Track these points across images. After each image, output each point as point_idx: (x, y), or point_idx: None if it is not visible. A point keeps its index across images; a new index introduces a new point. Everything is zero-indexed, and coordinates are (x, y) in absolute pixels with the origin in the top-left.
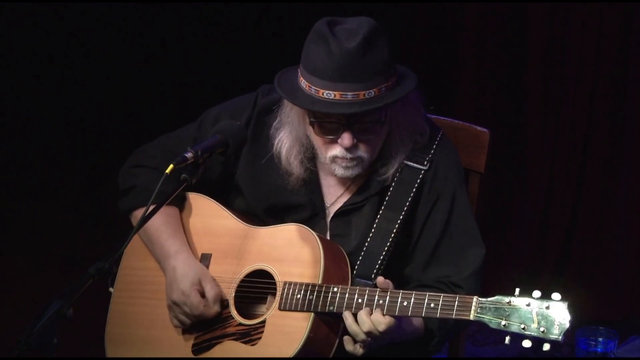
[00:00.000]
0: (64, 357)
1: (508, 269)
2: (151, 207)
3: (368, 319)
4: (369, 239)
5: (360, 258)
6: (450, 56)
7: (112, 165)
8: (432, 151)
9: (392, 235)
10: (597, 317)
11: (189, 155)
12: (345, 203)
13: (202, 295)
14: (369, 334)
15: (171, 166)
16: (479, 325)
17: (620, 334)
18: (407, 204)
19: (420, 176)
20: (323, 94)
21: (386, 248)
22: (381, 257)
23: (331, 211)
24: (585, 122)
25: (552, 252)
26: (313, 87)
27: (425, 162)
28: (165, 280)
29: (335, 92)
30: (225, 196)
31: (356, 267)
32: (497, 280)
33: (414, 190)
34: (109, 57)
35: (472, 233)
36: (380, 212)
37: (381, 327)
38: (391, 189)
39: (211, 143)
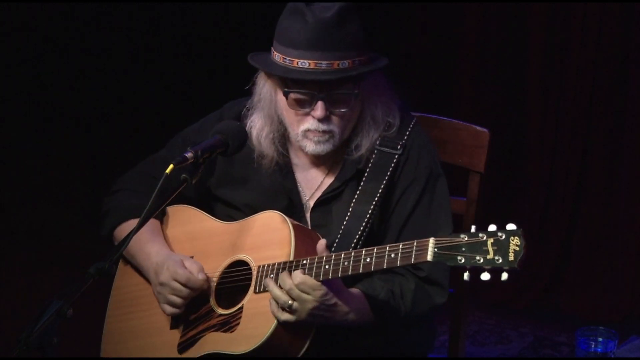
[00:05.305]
0: (64, 357)
1: None
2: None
3: (289, 279)
4: (345, 221)
5: (336, 240)
6: (450, 56)
7: (112, 165)
8: (405, 137)
9: (367, 216)
10: (597, 317)
11: (189, 155)
12: (324, 191)
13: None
14: (290, 292)
15: (171, 166)
16: (479, 325)
17: (620, 334)
18: (382, 186)
19: (394, 160)
20: (298, 64)
21: (361, 229)
22: (356, 238)
23: (310, 204)
24: (585, 122)
25: (552, 252)
26: (287, 58)
27: (399, 147)
28: (150, 277)
29: (310, 61)
30: (207, 208)
31: (333, 248)
32: (496, 280)
33: (389, 173)
34: (110, 57)
35: (441, 219)
36: (356, 195)
37: (303, 287)
38: (366, 173)
39: (211, 143)
